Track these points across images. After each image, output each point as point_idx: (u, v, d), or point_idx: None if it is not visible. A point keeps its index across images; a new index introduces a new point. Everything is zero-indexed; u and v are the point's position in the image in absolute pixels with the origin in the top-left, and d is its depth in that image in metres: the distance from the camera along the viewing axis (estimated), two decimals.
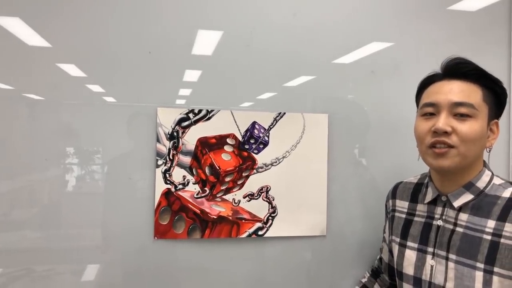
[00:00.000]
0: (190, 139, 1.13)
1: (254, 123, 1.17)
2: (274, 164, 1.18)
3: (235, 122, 1.16)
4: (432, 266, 0.93)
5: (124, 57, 1.10)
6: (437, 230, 0.95)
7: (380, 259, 1.18)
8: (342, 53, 1.23)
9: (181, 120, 1.13)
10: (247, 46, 1.17)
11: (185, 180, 1.13)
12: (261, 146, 1.17)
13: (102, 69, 1.10)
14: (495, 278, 0.83)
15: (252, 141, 1.17)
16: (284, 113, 1.18)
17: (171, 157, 1.12)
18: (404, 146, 1.18)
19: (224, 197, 1.16)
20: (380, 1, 1.24)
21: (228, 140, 1.16)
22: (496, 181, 0.92)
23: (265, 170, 1.17)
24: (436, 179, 0.97)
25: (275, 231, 1.18)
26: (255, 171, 1.17)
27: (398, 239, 1.03)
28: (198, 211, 1.14)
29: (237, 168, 1.16)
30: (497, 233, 0.85)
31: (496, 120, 0.93)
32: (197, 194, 1.14)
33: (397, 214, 1.07)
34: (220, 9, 1.15)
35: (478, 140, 0.88)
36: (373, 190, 1.25)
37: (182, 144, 1.13)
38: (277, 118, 1.18)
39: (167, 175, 1.12)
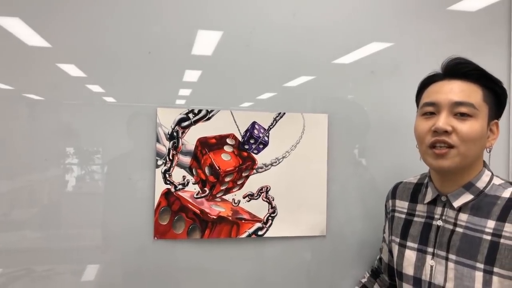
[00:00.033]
0: (190, 139, 1.13)
1: (254, 123, 1.17)
2: (274, 164, 1.18)
3: (235, 122, 1.16)
4: (432, 266, 0.93)
5: (124, 57, 1.10)
6: (437, 230, 0.95)
7: (380, 259, 1.18)
8: (342, 53, 1.23)
9: (181, 120, 1.13)
10: (247, 46, 1.17)
11: (185, 180, 1.13)
12: (261, 146, 1.17)
13: (102, 69, 1.10)
14: (495, 278, 0.83)
15: (252, 141, 1.17)
16: (284, 113, 1.18)
17: (171, 157, 1.12)
18: (404, 146, 1.18)
19: (224, 197, 1.16)
20: (380, 1, 1.24)
21: (228, 140, 1.16)
22: (496, 181, 0.92)
23: (265, 170, 1.17)
24: (436, 179, 0.97)
25: (275, 231, 1.18)
26: (255, 171, 1.17)
27: (398, 239, 1.03)
28: (198, 211, 1.14)
29: (237, 168, 1.16)
30: (497, 233, 0.85)
31: (496, 121, 0.93)
32: (197, 194, 1.14)
33: (397, 214, 1.07)
34: (220, 9, 1.15)
35: (478, 140, 0.88)
36: (373, 190, 1.25)
37: (182, 144, 1.13)
38: (277, 118, 1.18)
39: (167, 175, 1.12)
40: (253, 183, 1.17)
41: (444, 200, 0.95)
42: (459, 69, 0.91)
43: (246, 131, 1.16)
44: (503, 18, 1.31)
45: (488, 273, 0.84)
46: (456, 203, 0.92)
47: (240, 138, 1.16)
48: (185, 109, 1.13)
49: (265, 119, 1.17)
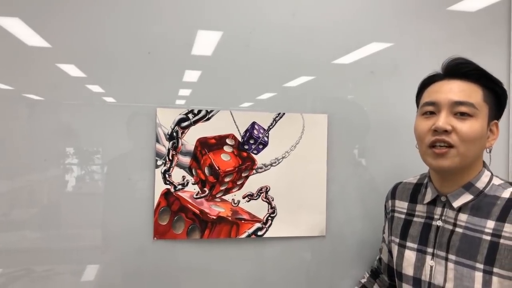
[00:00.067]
0: (189, 140, 1.13)
1: (253, 123, 1.17)
2: (274, 164, 1.18)
3: (235, 122, 1.16)
4: (431, 267, 0.93)
5: (124, 58, 1.10)
6: (436, 231, 0.94)
7: (380, 259, 1.18)
8: (342, 54, 1.23)
9: (181, 121, 1.13)
10: (246, 47, 1.17)
11: (185, 180, 1.13)
12: (261, 146, 1.17)
13: (101, 70, 1.10)
14: (495, 279, 0.83)
15: (251, 141, 1.17)
16: (284, 114, 1.18)
17: (170, 158, 1.12)
18: (404, 147, 1.18)
19: (223, 197, 1.16)
20: (380, 1, 1.24)
21: (228, 141, 1.16)
22: (496, 181, 0.92)
23: (265, 170, 1.17)
24: (436, 179, 0.97)
25: (274, 231, 1.18)
26: (254, 171, 1.17)
27: (397, 240, 1.03)
28: (198, 212, 1.14)
29: (236, 169, 1.16)
30: (496, 234, 0.85)
31: (496, 121, 0.93)
32: (196, 195, 1.14)
33: (396, 214, 1.07)
34: (219, 9, 1.15)
35: (478, 139, 0.88)
36: (372, 191, 1.25)
37: (182, 144, 1.13)
38: (277, 118, 1.18)
39: (167, 176, 1.12)
40: (253, 183, 1.17)
41: (443, 200, 0.95)
42: (459, 69, 0.91)
43: (246, 132, 1.16)
44: (503, 18, 1.31)
45: (488, 273, 0.84)
46: (456, 203, 0.92)
47: (239, 139, 1.16)
48: (184, 109, 1.13)
49: (264, 120, 1.17)
